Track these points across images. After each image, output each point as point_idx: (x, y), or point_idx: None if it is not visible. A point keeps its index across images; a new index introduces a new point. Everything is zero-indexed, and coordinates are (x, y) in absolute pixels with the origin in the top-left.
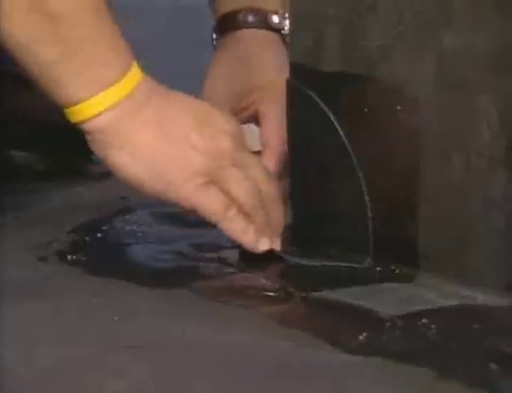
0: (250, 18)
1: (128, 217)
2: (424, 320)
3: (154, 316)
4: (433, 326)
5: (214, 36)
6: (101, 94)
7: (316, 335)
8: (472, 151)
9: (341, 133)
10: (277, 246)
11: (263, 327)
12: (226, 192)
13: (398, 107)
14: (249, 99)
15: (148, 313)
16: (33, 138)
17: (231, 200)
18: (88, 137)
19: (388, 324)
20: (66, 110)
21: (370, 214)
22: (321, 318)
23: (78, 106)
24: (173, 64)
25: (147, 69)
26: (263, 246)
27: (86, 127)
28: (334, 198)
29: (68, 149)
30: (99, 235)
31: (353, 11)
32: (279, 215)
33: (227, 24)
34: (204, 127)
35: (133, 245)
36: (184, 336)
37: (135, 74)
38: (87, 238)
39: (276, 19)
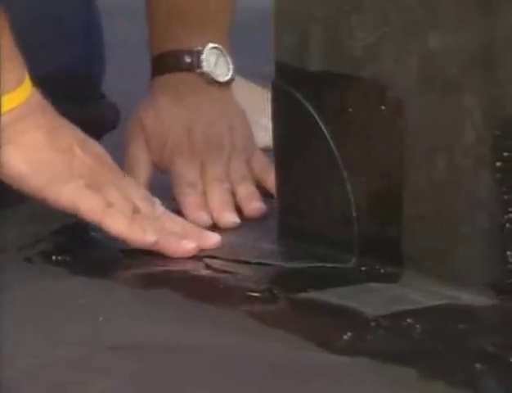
0: (170, 61)
1: None
2: (409, 320)
3: (141, 317)
4: (418, 326)
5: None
6: (3, 98)
7: (302, 335)
8: (457, 151)
9: (326, 132)
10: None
11: (249, 328)
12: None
13: (383, 107)
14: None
15: (134, 313)
16: None
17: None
18: None
19: (373, 324)
20: None
21: (354, 213)
22: (307, 318)
23: None
24: None
25: (147, 69)
26: (151, 237)
27: None
28: (319, 198)
29: None
30: (84, 235)
31: (338, 11)
32: (166, 228)
33: (153, 69)
34: (86, 146)
35: (119, 246)
36: (171, 337)
37: (28, 84)
38: (72, 239)
39: (187, 59)
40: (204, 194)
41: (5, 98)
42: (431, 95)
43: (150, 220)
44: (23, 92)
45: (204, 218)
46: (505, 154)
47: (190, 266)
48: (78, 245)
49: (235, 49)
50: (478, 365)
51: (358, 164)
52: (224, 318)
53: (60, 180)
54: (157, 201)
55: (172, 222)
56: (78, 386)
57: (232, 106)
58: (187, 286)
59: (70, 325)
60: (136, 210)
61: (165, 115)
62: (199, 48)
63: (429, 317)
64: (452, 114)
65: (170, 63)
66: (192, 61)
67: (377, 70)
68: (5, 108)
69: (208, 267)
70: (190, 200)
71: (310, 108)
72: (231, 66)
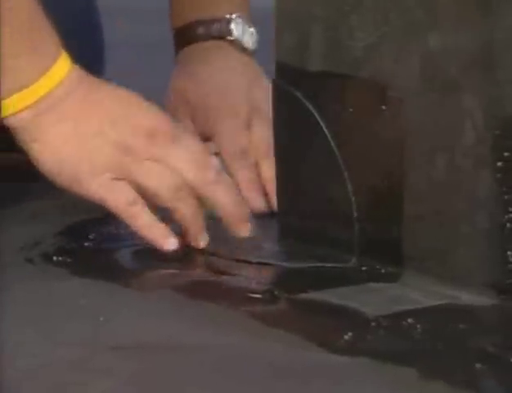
0: (200, 30)
1: (116, 219)
2: (409, 320)
3: (141, 317)
4: (418, 326)
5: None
6: (18, 95)
7: (302, 336)
8: (457, 151)
9: (326, 132)
10: (203, 243)
11: (250, 329)
12: (137, 187)
13: (383, 107)
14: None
15: (135, 314)
16: None
17: (143, 193)
18: (14, 132)
19: (373, 324)
20: None
21: (355, 213)
22: (307, 318)
23: None
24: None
25: (153, 70)
26: (170, 245)
27: (8, 122)
28: (320, 198)
29: None
30: (86, 237)
31: (338, 11)
32: (216, 200)
33: (178, 40)
34: (121, 123)
35: (120, 247)
36: (171, 337)
37: (56, 72)
38: (73, 240)
39: (217, 27)
40: (256, 165)
41: (25, 92)
42: (431, 95)
43: (188, 200)
44: (50, 79)
45: (260, 202)
46: (506, 154)
47: (191, 267)
48: (78, 246)
49: None
50: (478, 365)
51: (359, 164)
52: (225, 318)
53: (85, 176)
54: (212, 162)
55: (222, 194)
56: (79, 387)
57: (262, 77)
58: (188, 287)
59: (71, 325)
60: (179, 188)
61: (205, 80)
62: (228, 16)
63: (430, 317)
64: (452, 114)
65: (199, 32)
66: (222, 29)
67: (377, 70)
68: (29, 100)
69: (209, 268)
70: (244, 176)
71: (310, 108)
72: (255, 35)
